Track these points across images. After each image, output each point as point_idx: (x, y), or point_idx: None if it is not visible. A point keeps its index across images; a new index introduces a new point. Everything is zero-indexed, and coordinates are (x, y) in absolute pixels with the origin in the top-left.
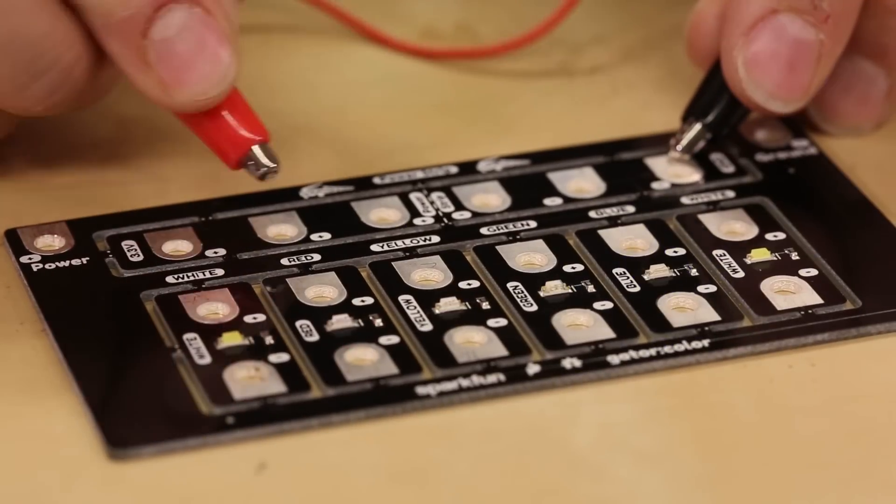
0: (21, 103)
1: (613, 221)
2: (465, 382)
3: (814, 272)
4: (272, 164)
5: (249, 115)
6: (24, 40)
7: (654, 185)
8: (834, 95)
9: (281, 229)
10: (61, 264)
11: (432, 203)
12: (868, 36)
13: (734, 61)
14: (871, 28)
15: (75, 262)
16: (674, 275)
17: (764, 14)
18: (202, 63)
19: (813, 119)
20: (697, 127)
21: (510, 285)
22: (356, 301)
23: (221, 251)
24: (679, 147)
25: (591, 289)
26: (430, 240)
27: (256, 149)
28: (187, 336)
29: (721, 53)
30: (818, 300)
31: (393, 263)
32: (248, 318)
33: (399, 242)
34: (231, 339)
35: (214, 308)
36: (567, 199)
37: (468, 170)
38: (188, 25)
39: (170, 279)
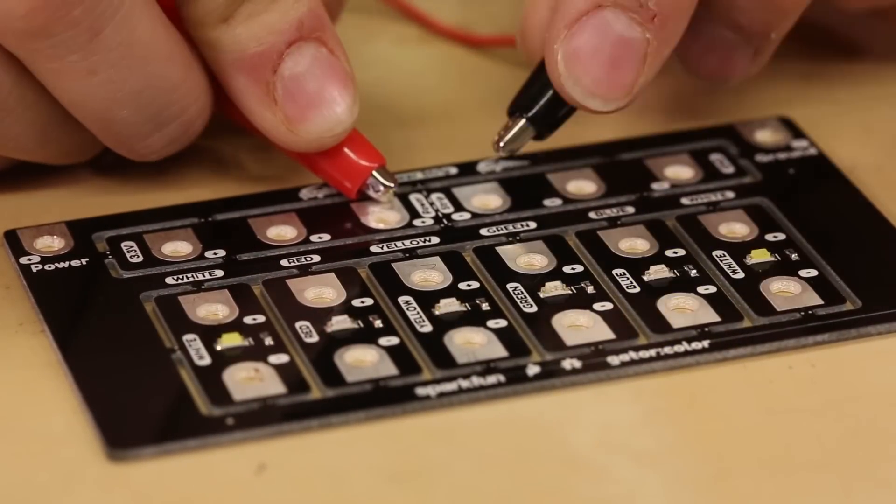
0: (139, 151)
1: (613, 222)
2: (464, 383)
3: (814, 273)
4: (391, 185)
5: (365, 144)
6: (157, 90)
7: (654, 185)
8: (697, 54)
9: (280, 230)
10: (61, 265)
11: (432, 204)
12: (722, 11)
13: (555, 55)
14: (724, 5)
15: (75, 263)
16: (674, 275)
17: (588, 8)
18: (327, 102)
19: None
20: (521, 123)
21: (510, 286)
22: (356, 302)
23: (221, 252)
24: (501, 144)
25: (590, 290)
26: (429, 241)
27: (376, 174)
28: (187, 337)
29: (545, 46)
30: (818, 301)
31: (392, 264)
32: (248, 319)
33: (399, 243)
34: (231, 340)
35: (214, 309)
36: (567, 200)
37: (468, 171)
38: (316, 63)
39: (169, 280)
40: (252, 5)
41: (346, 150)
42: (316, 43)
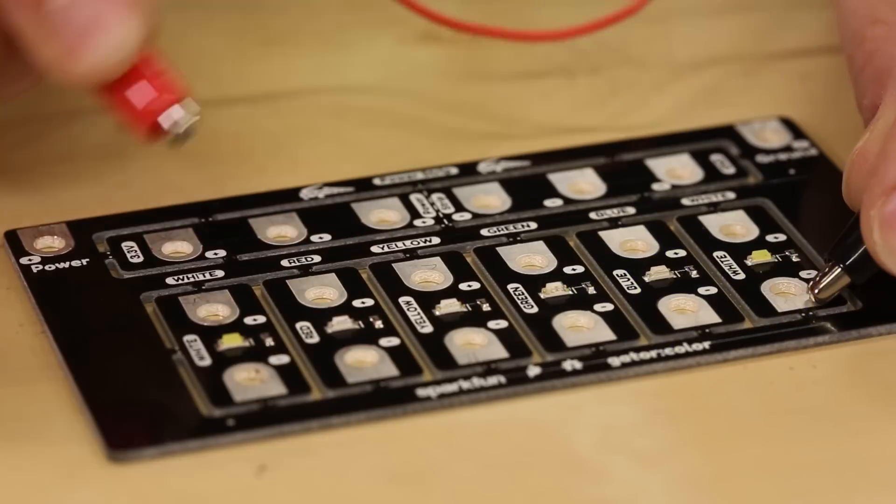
0: None
1: (614, 223)
2: (465, 384)
3: (815, 273)
4: (194, 117)
5: (157, 79)
6: None
7: (655, 186)
8: None
9: (281, 230)
10: (61, 266)
11: (432, 204)
12: None
13: (870, 221)
14: None
15: (75, 263)
16: (674, 276)
17: None
18: (102, 29)
19: None
20: (837, 271)
21: (510, 287)
22: (356, 303)
23: (221, 252)
24: (817, 291)
25: (591, 290)
26: (430, 241)
27: (173, 111)
28: (187, 338)
29: (862, 206)
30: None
31: (393, 265)
32: (249, 320)
33: (399, 244)
34: (231, 341)
35: (214, 310)
36: (567, 201)
37: (468, 171)
38: None
39: (170, 280)
40: None
41: (128, 89)
42: None
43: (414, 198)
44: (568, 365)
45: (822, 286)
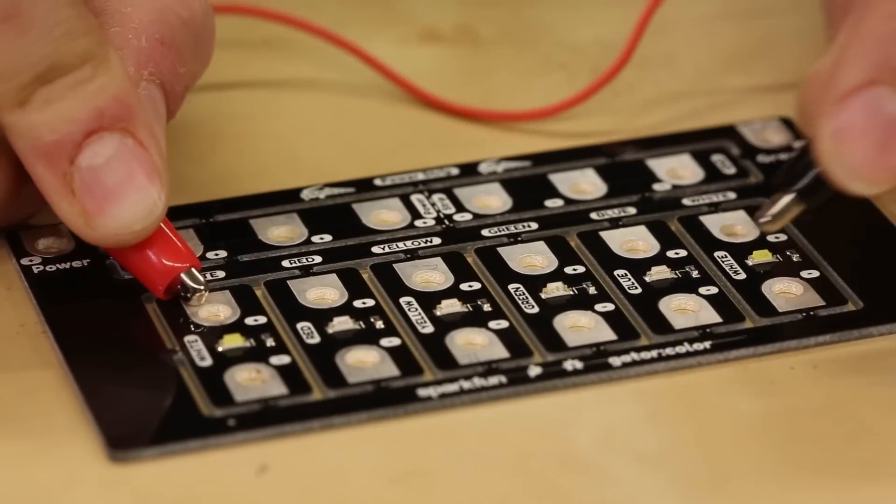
0: None
1: (615, 223)
2: (466, 384)
3: (815, 273)
4: (199, 287)
5: (174, 244)
6: None
7: (656, 186)
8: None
9: (282, 231)
10: (62, 266)
11: (433, 205)
12: None
13: (822, 130)
14: None
15: (76, 263)
16: (675, 276)
17: (861, 83)
18: (129, 196)
19: None
20: (788, 197)
21: (511, 287)
22: (357, 303)
23: (222, 253)
24: (763, 220)
25: (592, 290)
26: (431, 241)
27: (184, 276)
28: (188, 338)
29: (814, 119)
30: (820, 302)
31: (394, 265)
32: (249, 320)
33: (400, 244)
34: (232, 341)
35: (215, 310)
36: (568, 201)
37: (469, 171)
38: (118, 156)
39: None
40: (48, 91)
41: (149, 251)
42: (121, 134)
43: (415, 198)
44: (569, 365)
45: (771, 213)
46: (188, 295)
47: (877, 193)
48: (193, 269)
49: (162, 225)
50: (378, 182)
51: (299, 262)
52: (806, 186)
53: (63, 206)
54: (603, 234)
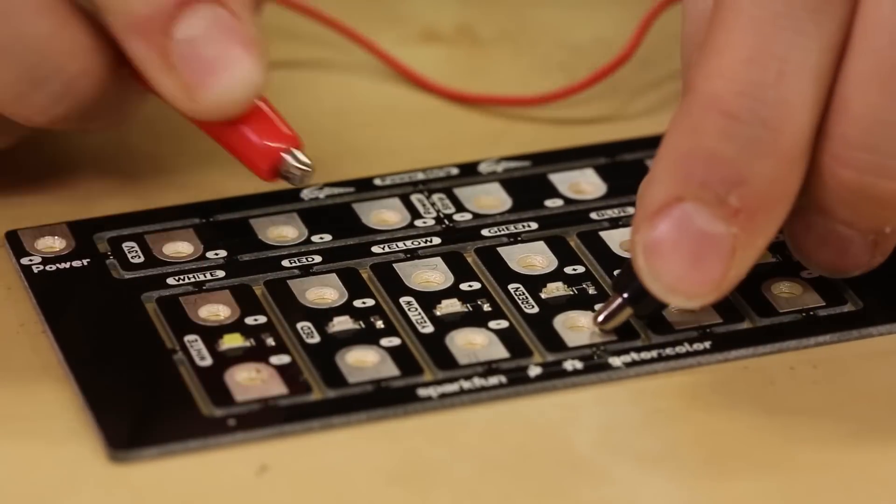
0: (21, 111)
1: (615, 223)
2: (466, 384)
3: (815, 273)
4: (306, 168)
5: (276, 123)
6: (25, 44)
7: None
8: (811, 247)
9: (282, 231)
10: (62, 266)
11: (433, 204)
12: (827, 205)
13: (635, 247)
14: (828, 199)
15: (76, 263)
16: None
17: (668, 200)
18: (228, 66)
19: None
20: (619, 301)
21: (511, 287)
22: (357, 303)
23: (222, 253)
24: (600, 319)
25: (592, 291)
26: (431, 241)
27: (287, 157)
28: (188, 338)
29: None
30: (820, 301)
31: (394, 265)
32: (249, 320)
33: (400, 244)
34: (232, 341)
35: (215, 310)
36: (568, 201)
37: (469, 171)
38: (214, 26)
39: (171, 281)
40: None
41: (252, 126)
42: (214, 4)
43: (415, 198)
44: (568, 365)
45: (604, 314)
46: (292, 174)
47: (701, 306)
48: (295, 151)
49: (263, 104)
50: (378, 182)
51: (299, 261)
52: (633, 294)
53: (164, 81)
54: (603, 234)
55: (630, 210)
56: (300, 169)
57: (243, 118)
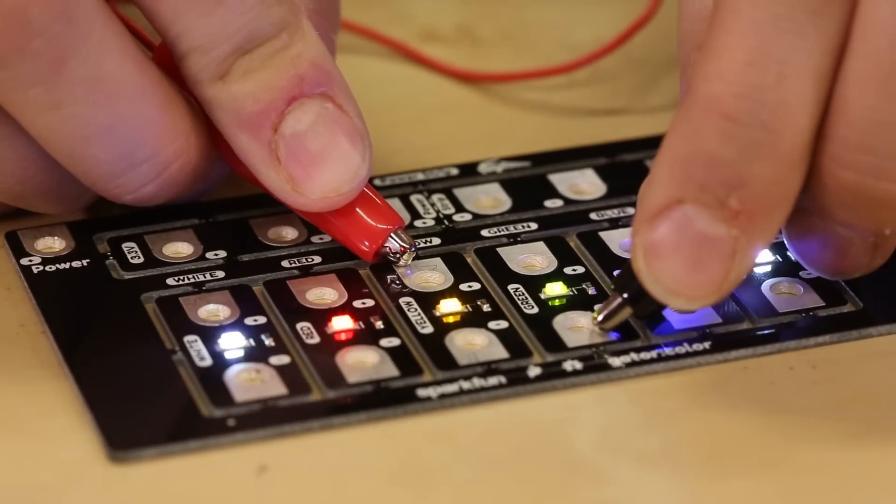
0: (113, 190)
1: (614, 223)
2: (465, 385)
3: (815, 274)
4: (410, 248)
5: (381, 208)
6: (127, 127)
7: None
8: (812, 250)
9: (281, 231)
10: (62, 266)
11: (433, 205)
12: (827, 207)
13: (635, 250)
14: (828, 201)
15: (76, 264)
16: None
17: (668, 202)
18: (334, 160)
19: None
20: (619, 300)
21: (511, 287)
22: (357, 303)
23: (222, 253)
24: (600, 318)
25: (591, 291)
26: (430, 241)
27: (393, 237)
28: (188, 338)
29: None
30: (819, 302)
31: (394, 266)
32: (249, 320)
33: None
34: (232, 341)
35: (215, 310)
36: (568, 201)
37: (469, 171)
38: (320, 121)
39: (170, 281)
40: (248, 61)
41: (359, 210)
42: (321, 99)
43: (414, 198)
44: (568, 365)
45: (604, 314)
46: (397, 256)
47: (702, 307)
48: (400, 231)
49: (365, 188)
50: (377, 182)
51: (299, 262)
52: (633, 294)
53: (270, 175)
54: (602, 234)
55: (630, 210)
56: (405, 248)
57: (350, 204)
